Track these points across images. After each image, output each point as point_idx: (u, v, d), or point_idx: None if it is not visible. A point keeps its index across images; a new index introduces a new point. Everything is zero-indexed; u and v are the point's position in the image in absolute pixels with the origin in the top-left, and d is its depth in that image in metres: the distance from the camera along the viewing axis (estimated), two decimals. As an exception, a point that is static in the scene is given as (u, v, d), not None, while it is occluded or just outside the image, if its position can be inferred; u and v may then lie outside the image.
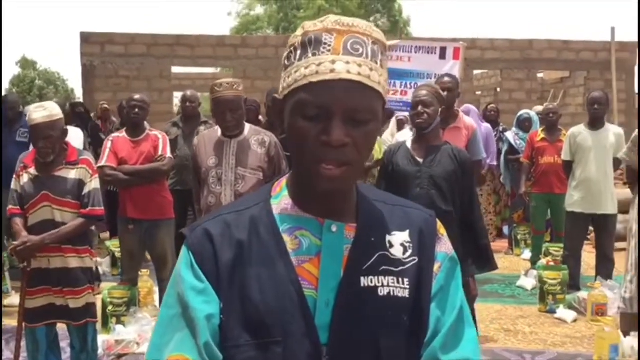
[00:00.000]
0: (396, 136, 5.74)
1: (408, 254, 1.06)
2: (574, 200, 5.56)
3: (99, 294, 4.67)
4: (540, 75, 15.29)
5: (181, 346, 0.99)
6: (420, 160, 3.34)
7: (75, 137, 5.65)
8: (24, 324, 3.40)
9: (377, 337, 1.02)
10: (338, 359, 1.00)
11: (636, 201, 4.45)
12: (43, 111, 3.29)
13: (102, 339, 4.12)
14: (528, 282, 6.02)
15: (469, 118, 4.66)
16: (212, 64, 14.49)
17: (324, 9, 25.37)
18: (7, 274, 5.55)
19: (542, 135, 6.51)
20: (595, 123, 5.57)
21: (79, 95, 19.99)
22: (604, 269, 5.50)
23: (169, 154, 4.54)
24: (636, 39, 13.49)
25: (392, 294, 1.03)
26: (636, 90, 13.64)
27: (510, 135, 7.67)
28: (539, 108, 8.22)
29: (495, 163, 7.12)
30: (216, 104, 3.50)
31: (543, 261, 6.10)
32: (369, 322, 1.02)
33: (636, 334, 4.10)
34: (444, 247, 1.11)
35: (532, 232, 6.82)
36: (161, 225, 4.52)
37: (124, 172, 4.43)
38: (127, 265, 4.77)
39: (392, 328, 1.03)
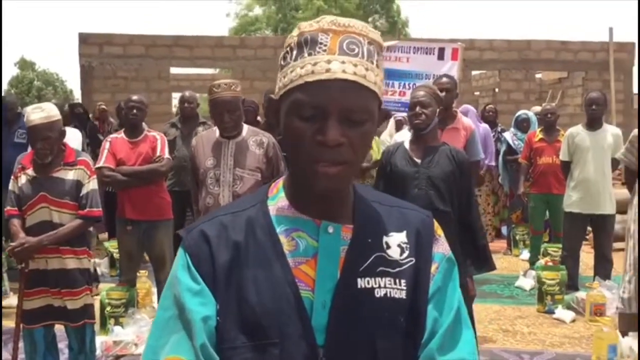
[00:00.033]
0: (394, 137, 5.73)
1: (405, 255, 1.06)
2: (572, 201, 5.57)
3: (97, 295, 4.67)
4: (538, 75, 15.29)
5: (177, 348, 0.99)
6: (418, 161, 3.34)
7: (73, 138, 5.65)
8: (21, 325, 3.40)
9: (373, 339, 1.02)
10: None
11: (634, 201, 4.45)
12: (41, 112, 3.28)
13: (100, 340, 4.11)
14: (526, 282, 6.02)
15: (467, 119, 4.66)
16: (211, 65, 14.49)
17: (322, 9, 25.39)
18: (5, 275, 5.54)
19: (540, 136, 6.51)
20: (593, 123, 5.57)
21: (77, 96, 19.96)
22: (602, 269, 5.50)
23: (167, 155, 4.54)
24: (634, 40, 13.53)
25: (388, 295, 1.03)
26: (634, 91, 13.66)
27: (508, 135, 7.68)
28: (537, 108, 8.22)
29: (493, 163, 7.13)
30: (214, 105, 3.50)
31: (541, 261, 6.11)
32: (365, 324, 1.02)
33: (634, 334, 4.11)
34: (441, 247, 1.11)
35: (531, 232, 6.82)
36: (159, 226, 4.52)
37: (122, 173, 4.43)
38: (126, 266, 4.76)
39: (388, 329, 1.03)
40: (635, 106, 12.76)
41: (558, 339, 4.62)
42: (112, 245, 6.22)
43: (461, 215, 3.31)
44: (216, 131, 3.62)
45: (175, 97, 11.93)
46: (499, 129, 8.28)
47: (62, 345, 3.74)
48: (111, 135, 4.78)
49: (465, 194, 3.35)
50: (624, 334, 4.19)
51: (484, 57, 13.36)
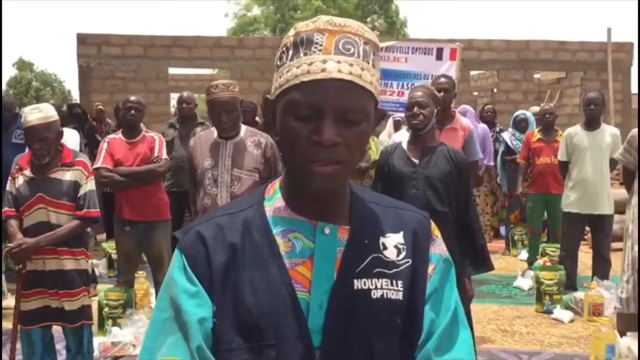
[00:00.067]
0: (393, 137, 5.73)
1: (402, 255, 1.06)
2: (570, 201, 5.57)
3: (95, 295, 4.66)
4: (536, 75, 15.30)
5: (173, 350, 0.98)
6: (416, 161, 3.34)
7: (71, 138, 5.63)
8: (19, 327, 3.39)
9: (370, 340, 1.01)
10: None
11: (632, 201, 4.46)
12: (38, 113, 3.28)
13: (98, 341, 4.11)
14: (525, 282, 6.02)
15: (466, 119, 4.66)
16: (209, 65, 14.48)
17: (321, 10, 25.40)
18: (2, 276, 5.53)
19: (539, 136, 6.51)
20: (592, 123, 5.57)
21: (75, 97, 19.96)
22: (601, 269, 5.51)
23: (165, 156, 4.53)
24: (632, 40, 13.54)
25: (385, 296, 1.03)
26: (632, 91, 13.67)
27: (506, 135, 7.68)
28: (536, 109, 8.22)
29: (492, 163, 7.13)
30: (212, 106, 3.49)
31: (540, 261, 6.10)
32: (362, 325, 1.01)
33: (632, 334, 4.11)
34: (438, 248, 1.10)
35: (529, 232, 6.82)
36: (157, 227, 4.51)
37: (120, 173, 4.42)
38: (124, 267, 4.75)
39: (385, 330, 1.02)
40: (634, 106, 12.79)
41: (556, 339, 4.62)
42: (110, 246, 6.21)
43: (459, 215, 3.31)
44: (214, 132, 3.62)
45: (174, 97, 11.91)
46: (497, 129, 8.28)
47: (60, 346, 3.73)
48: (109, 136, 4.78)
49: (463, 194, 3.34)
50: (622, 334, 4.19)
51: (482, 57, 13.37)
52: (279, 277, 1.01)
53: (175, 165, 5.31)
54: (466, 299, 3.21)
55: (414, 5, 60.52)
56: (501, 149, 7.62)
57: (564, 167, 5.69)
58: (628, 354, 4.01)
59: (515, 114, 7.87)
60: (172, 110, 12.44)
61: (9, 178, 3.44)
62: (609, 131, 5.62)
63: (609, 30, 13.39)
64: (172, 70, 13.78)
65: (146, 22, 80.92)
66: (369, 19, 28.68)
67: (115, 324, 4.46)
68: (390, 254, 1.05)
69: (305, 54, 0.99)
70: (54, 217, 3.32)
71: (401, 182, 3.31)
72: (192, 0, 65.23)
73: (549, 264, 5.85)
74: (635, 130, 4.50)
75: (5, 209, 3.39)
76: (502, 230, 8.35)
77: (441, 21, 70.46)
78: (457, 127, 4.26)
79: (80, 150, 5.71)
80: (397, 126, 6.58)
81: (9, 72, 35.99)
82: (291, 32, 1.03)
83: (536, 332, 4.76)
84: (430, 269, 1.07)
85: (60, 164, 3.36)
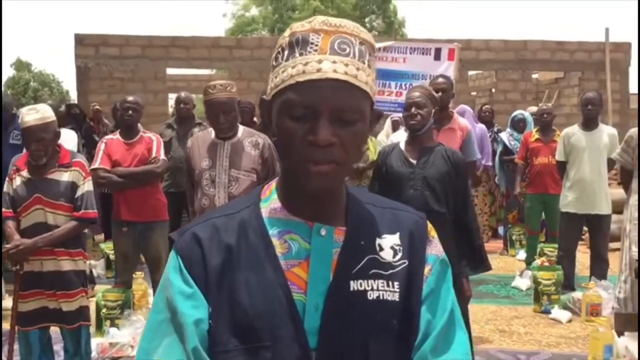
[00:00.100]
0: (391, 137, 5.73)
1: (398, 257, 1.06)
2: (568, 201, 5.58)
3: (93, 296, 4.65)
4: (534, 75, 15.30)
5: (169, 351, 0.98)
6: (414, 162, 3.34)
7: (69, 139, 5.63)
8: (17, 328, 3.38)
9: (366, 341, 1.01)
10: None
11: (630, 201, 4.46)
12: (35, 114, 3.27)
13: (96, 341, 4.11)
14: (523, 282, 6.03)
15: (463, 119, 4.66)
16: (207, 66, 14.46)
17: (319, 10, 25.42)
18: (0, 278, 5.52)
19: (536, 136, 6.52)
20: (589, 123, 5.58)
21: (73, 97, 19.93)
22: (598, 269, 5.51)
23: (162, 156, 4.53)
24: (630, 40, 13.55)
25: (381, 297, 1.03)
26: (630, 91, 13.69)
27: (504, 135, 7.68)
28: (534, 109, 8.23)
29: (490, 164, 7.13)
30: (209, 106, 3.49)
31: (538, 261, 6.11)
32: (358, 326, 1.01)
33: (630, 334, 4.11)
34: (435, 249, 1.10)
35: (527, 232, 6.83)
36: (155, 228, 4.51)
37: (118, 174, 4.42)
38: (122, 268, 4.75)
39: (381, 332, 1.02)
40: (631, 106, 12.81)
41: (554, 339, 4.62)
42: (107, 247, 6.20)
43: (457, 215, 3.31)
44: (212, 132, 3.61)
45: (172, 98, 11.89)
46: (495, 129, 8.28)
47: (58, 347, 3.73)
48: (107, 137, 4.77)
49: (461, 194, 3.34)
50: (620, 334, 4.19)
51: (480, 58, 13.37)
52: (275, 279, 1.00)
53: (172, 165, 5.31)
54: (464, 299, 3.21)
55: (412, 5, 60.62)
56: (499, 149, 7.62)
57: (562, 167, 5.70)
58: (626, 354, 4.01)
59: (513, 114, 7.87)
60: (170, 110, 12.43)
61: (7, 179, 3.43)
62: (606, 131, 5.63)
63: (606, 30, 13.40)
64: (170, 71, 13.76)
65: (144, 23, 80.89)
66: (367, 19, 28.70)
67: (113, 324, 4.46)
68: (387, 255, 1.05)
69: (301, 54, 0.99)
70: (51, 218, 3.31)
71: (399, 182, 3.31)
72: (190, 0, 65.21)
73: (546, 264, 5.85)
74: (633, 130, 4.51)
75: (2, 209, 3.39)
76: (500, 230, 8.36)
77: (439, 21, 70.51)
78: (455, 128, 4.26)
79: (78, 151, 5.71)
80: (395, 126, 6.59)
81: (7, 72, 35.96)
82: (287, 33, 1.03)
83: (534, 332, 4.76)
84: (426, 270, 1.07)
85: (57, 165, 3.36)
